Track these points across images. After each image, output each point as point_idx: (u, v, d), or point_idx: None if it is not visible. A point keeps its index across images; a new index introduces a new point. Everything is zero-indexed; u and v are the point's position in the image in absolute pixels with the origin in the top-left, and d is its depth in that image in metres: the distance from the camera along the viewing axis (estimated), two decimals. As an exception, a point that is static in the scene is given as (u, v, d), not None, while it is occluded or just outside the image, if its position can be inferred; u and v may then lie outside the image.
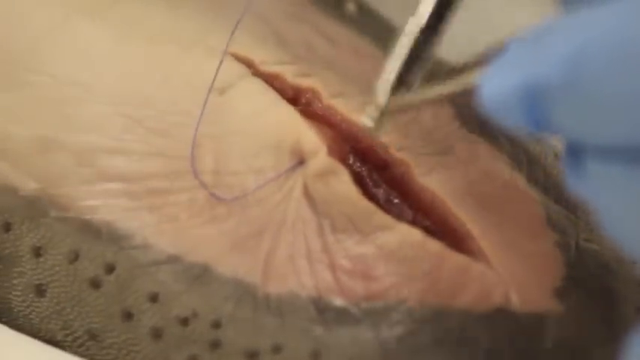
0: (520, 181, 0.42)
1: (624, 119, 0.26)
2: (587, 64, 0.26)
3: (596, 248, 0.40)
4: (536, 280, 0.39)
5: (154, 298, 0.38)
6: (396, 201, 0.40)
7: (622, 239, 0.28)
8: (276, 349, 0.37)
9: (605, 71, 0.26)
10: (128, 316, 0.39)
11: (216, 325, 0.38)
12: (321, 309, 0.37)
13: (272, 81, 0.41)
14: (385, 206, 0.39)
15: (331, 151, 0.39)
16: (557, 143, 0.45)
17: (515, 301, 0.38)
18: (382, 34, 0.47)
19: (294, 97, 0.41)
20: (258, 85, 0.41)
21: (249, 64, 0.42)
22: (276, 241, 0.38)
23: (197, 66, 0.42)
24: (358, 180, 0.39)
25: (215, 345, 0.38)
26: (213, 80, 0.41)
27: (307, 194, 0.39)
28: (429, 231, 0.39)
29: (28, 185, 0.40)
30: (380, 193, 0.40)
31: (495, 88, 0.28)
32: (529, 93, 0.27)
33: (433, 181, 0.40)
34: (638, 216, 0.27)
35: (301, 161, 0.39)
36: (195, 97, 0.41)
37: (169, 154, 0.40)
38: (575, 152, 0.28)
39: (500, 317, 0.37)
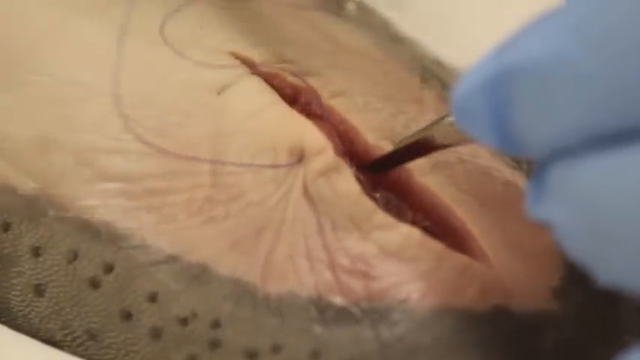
0: (520, 180, 0.42)
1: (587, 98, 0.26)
2: (555, 48, 0.26)
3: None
4: (536, 279, 0.39)
5: (153, 298, 0.38)
6: (394, 202, 0.40)
7: (581, 257, 0.29)
8: (276, 349, 0.37)
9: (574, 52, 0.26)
10: (127, 316, 0.38)
11: (216, 324, 0.38)
12: (321, 308, 0.37)
13: (271, 80, 0.41)
14: (384, 207, 0.39)
15: (335, 149, 0.39)
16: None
17: (516, 301, 0.38)
18: (383, 34, 0.47)
19: (294, 97, 0.41)
20: (257, 84, 0.41)
21: (248, 64, 0.42)
22: (275, 240, 0.38)
23: (195, 66, 0.42)
24: (356, 181, 0.39)
25: (214, 345, 0.38)
26: None
27: (307, 193, 0.39)
28: (429, 231, 0.39)
29: (27, 185, 0.40)
30: (378, 194, 0.40)
31: (461, 88, 0.29)
32: (496, 79, 0.28)
33: (433, 181, 0.40)
34: (597, 230, 0.27)
35: (300, 159, 0.39)
36: (193, 97, 0.41)
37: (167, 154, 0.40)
38: (539, 169, 0.29)
39: (501, 317, 0.37)
